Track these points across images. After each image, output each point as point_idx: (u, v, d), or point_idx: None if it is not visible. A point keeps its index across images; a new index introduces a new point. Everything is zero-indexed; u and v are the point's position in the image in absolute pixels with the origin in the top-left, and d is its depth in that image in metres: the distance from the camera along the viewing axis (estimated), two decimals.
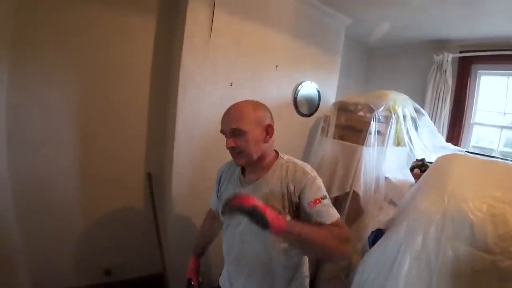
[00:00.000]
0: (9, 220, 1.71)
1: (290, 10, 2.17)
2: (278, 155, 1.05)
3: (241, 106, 0.98)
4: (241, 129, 0.93)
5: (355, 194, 2.01)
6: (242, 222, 0.99)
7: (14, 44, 1.61)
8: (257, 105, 1.00)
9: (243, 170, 1.08)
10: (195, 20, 1.76)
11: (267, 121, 0.99)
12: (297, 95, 2.30)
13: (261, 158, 0.99)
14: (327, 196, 0.93)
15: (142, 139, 2.07)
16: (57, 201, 1.87)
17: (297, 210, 0.93)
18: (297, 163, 1.00)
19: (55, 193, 1.85)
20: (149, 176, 2.11)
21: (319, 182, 0.95)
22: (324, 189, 0.95)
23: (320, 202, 0.89)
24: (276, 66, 2.15)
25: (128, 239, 2.13)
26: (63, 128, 1.82)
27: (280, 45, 2.16)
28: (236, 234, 1.03)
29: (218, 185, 1.18)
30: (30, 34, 1.64)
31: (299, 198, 0.92)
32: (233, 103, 1.66)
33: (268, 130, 0.99)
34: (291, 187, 0.93)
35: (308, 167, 0.99)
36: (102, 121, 1.92)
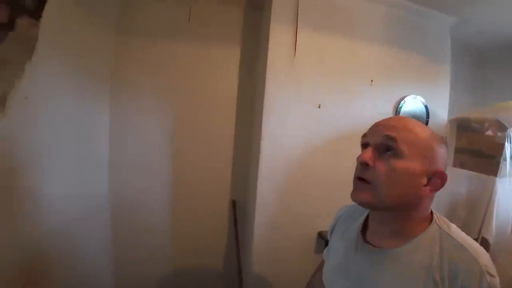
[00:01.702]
0: (106, 235, 1.92)
1: (380, 16, 1.91)
2: (431, 219, 0.62)
3: (411, 121, 0.62)
4: (399, 146, 0.57)
5: (484, 242, 1.54)
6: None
7: (114, 80, 1.87)
8: (437, 136, 0.62)
9: (365, 224, 0.71)
10: (277, 43, 1.71)
11: (440, 165, 0.60)
12: (399, 112, 1.98)
13: (403, 213, 0.60)
14: None
15: (228, 166, 2.10)
16: (148, 220, 2.02)
17: None
18: (464, 245, 0.56)
19: (147, 213, 2.01)
20: (233, 203, 2.11)
21: None
22: None
23: None
24: (371, 81, 1.89)
25: (211, 266, 2.14)
26: (157, 154, 1.99)
27: (373, 57, 1.90)
28: None
29: (331, 233, 0.86)
30: (126, 70, 1.89)
31: None
32: (321, 126, 1.42)
33: (436, 179, 0.59)
34: None
35: (483, 256, 0.55)
36: (191, 147, 2.03)
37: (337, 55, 1.83)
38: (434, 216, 0.63)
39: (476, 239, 1.55)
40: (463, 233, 0.60)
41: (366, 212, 0.72)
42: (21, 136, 1.17)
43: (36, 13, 1.18)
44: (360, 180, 0.60)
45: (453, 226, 0.62)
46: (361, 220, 0.72)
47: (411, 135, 0.59)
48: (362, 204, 0.62)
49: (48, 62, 1.27)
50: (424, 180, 0.58)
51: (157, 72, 1.93)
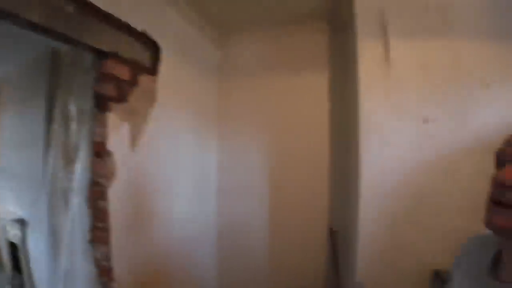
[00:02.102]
0: (212, 253, 2.16)
1: (481, 7, 1.55)
2: None
3: None
4: None
5: None
6: None
7: (219, 117, 2.19)
8: None
9: (498, 258, 0.57)
10: (368, 59, 1.56)
11: None
12: None
13: None
14: None
15: (325, 192, 2.02)
16: (249, 242, 2.15)
17: None
18: None
19: (248, 236, 2.15)
20: (331, 232, 1.99)
21: None
22: None
23: None
24: (486, 85, 1.54)
25: None
26: (257, 181, 2.14)
27: (482, 55, 1.54)
28: None
29: (454, 269, 0.69)
30: (228, 107, 2.19)
31: None
32: (432, 143, 1.23)
33: None
34: None
35: None
36: (287, 174, 2.08)
37: (439, 61, 1.54)
38: None
39: None
40: None
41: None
42: (149, 168, 1.51)
43: (153, 70, 1.50)
44: (497, 204, 0.48)
45: None
46: (493, 253, 0.57)
47: None
48: (501, 232, 0.50)
49: (166, 108, 1.59)
50: None
51: (254, 105, 2.15)
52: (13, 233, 2.70)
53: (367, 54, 1.56)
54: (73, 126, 1.88)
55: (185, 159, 1.83)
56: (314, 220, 2.02)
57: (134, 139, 1.36)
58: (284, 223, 2.08)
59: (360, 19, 1.58)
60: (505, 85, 1.50)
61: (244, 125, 2.17)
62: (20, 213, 2.61)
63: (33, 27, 0.99)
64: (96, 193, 1.24)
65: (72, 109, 1.91)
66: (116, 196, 1.26)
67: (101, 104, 1.25)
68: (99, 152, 1.23)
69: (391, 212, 1.54)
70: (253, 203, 2.13)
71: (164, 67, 1.55)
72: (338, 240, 1.91)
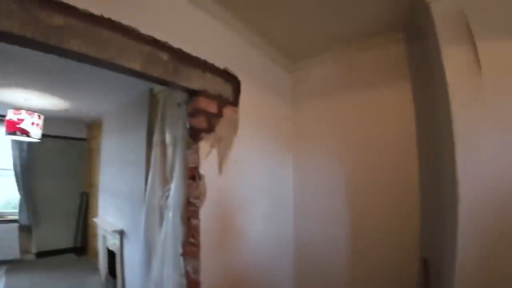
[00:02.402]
0: (288, 274, 2.17)
1: None
2: None
3: None
4: None
5: None
6: None
7: (294, 140, 2.27)
8: None
9: None
10: (455, 66, 1.40)
11: None
12: None
13: None
14: None
15: (415, 217, 1.78)
16: (327, 268, 2.07)
17: None
18: None
19: (327, 261, 2.07)
20: (424, 262, 1.75)
21: None
22: None
23: None
24: None
25: None
26: (336, 204, 2.04)
27: None
28: None
29: None
30: (303, 131, 2.25)
31: None
32: None
33: None
34: None
35: None
36: (370, 196, 1.92)
37: None
38: None
39: None
40: None
41: None
42: (232, 190, 1.66)
43: (235, 102, 1.68)
44: None
45: None
46: None
47: None
48: None
49: (247, 135, 1.76)
50: None
51: (330, 126, 2.13)
52: (112, 242, 3.21)
53: (454, 61, 1.42)
54: (169, 151, 2.21)
55: (264, 181, 1.94)
56: (402, 247, 1.80)
57: (220, 163, 1.53)
58: (367, 249, 1.91)
59: (439, 24, 1.46)
60: None
61: (320, 146, 2.16)
62: (119, 224, 3.11)
63: (136, 74, 1.25)
64: (190, 212, 1.41)
65: (168, 137, 2.26)
66: (205, 214, 1.41)
67: (194, 134, 1.45)
68: (193, 175, 1.41)
69: (498, 240, 1.30)
70: (332, 226, 2.05)
71: (243, 97, 1.72)
72: (432, 269, 1.68)
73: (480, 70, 1.37)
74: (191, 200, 1.41)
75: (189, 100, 1.50)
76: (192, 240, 1.39)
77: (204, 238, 1.40)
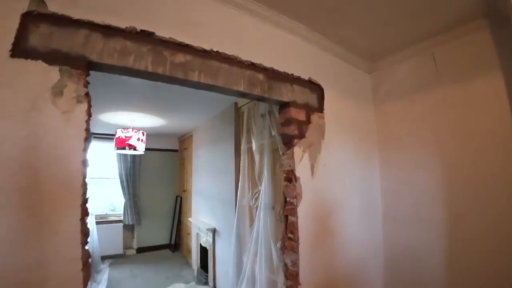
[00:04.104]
0: (378, 277, 2.14)
1: None
2: None
3: None
4: None
5: None
6: None
7: (380, 142, 2.26)
8: None
9: None
10: None
11: None
12: None
13: None
14: None
15: None
16: (421, 276, 1.95)
17: None
18: None
19: (419, 268, 1.97)
20: None
21: None
22: None
23: None
24: None
25: None
26: (430, 207, 1.93)
27: None
28: None
29: None
30: (389, 131, 2.21)
31: None
32: None
33: None
34: None
35: None
36: (467, 197, 1.77)
37: None
38: None
39: None
40: None
41: None
42: (325, 191, 1.78)
43: (320, 108, 1.80)
44: None
45: None
46: None
47: None
48: None
49: (333, 140, 1.86)
50: None
51: (415, 124, 2.04)
52: (205, 239, 3.65)
53: None
54: (256, 158, 2.47)
55: (351, 184, 1.99)
56: (506, 250, 1.59)
57: (312, 166, 1.67)
58: (467, 257, 1.74)
59: None
60: None
61: (407, 147, 2.09)
62: (212, 224, 3.53)
63: (241, 94, 1.49)
64: (288, 210, 1.58)
65: (254, 145, 2.53)
66: (302, 213, 1.56)
67: (287, 141, 1.62)
68: (290, 178, 1.58)
69: None
70: (425, 232, 1.94)
71: (326, 103, 1.84)
72: None
73: None
74: (288, 199, 1.58)
75: (280, 111, 1.69)
76: (290, 235, 1.56)
77: (302, 235, 1.55)
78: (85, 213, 0.98)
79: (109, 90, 2.57)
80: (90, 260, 1.05)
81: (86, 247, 0.99)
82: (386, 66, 2.24)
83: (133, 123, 3.97)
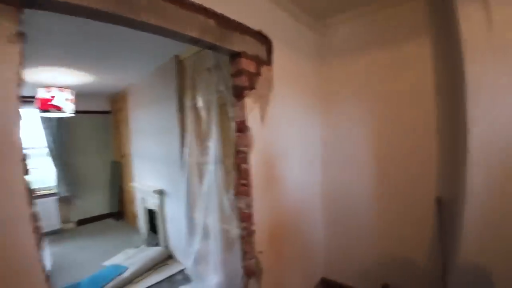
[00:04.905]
0: (319, 217, 2.51)
1: None
2: None
3: None
4: None
5: None
6: None
7: (322, 96, 2.46)
8: None
9: None
10: (469, 23, 1.55)
11: None
12: None
13: None
14: None
15: (431, 160, 1.99)
16: (353, 209, 2.38)
17: None
18: None
19: (352, 203, 2.38)
20: (438, 200, 1.99)
21: None
22: None
23: None
24: None
25: (411, 261, 2.13)
26: (362, 153, 2.29)
27: None
28: None
29: None
30: (331, 87, 2.42)
31: None
32: None
33: None
34: None
35: None
36: (391, 145, 2.15)
37: None
38: None
39: None
40: None
41: None
42: (273, 140, 1.90)
43: (269, 61, 1.84)
44: None
45: None
46: None
47: None
48: None
49: (280, 92, 1.94)
50: None
51: (354, 82, 2.29)
52: (152, 202, 3.58)
53: (468, 18, 1.55)
54: (203, 114, 2.43)
55: (296, 134, 2.17)
56: (420, 188, 2.04)
57: (262, 118, 1.74)
58: (389, 191, 2.18)
59: None
60: None
61: (346, 102, 2.35)
62: (158, 185, 3.45)
63: (194, 41, 1.42)
64: (240, 159, 1.66)
65: (200, 101, 2.47)
66: (254, 161, 1.66)
67: (238, 93, 1.64)
68: (241, 128, 1.63)
69: (501, 172, 1.52)
70: (357, 173, 2.32)
71: (275, 57, 1.88)
72: (445, 206, 1.93)
73: (492, 26, 1.50)
74: (240, 149, 1.65)
75: (231, 62, 1.67)
76: (243, 181, 1.66)
77: (254, 180, 1.66)
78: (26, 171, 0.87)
79: (28, 40, 2.09)
80: None
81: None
82: (331, 25, 2.36)
83: (55, 81, 3.38)
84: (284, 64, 1.98)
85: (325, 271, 2.58)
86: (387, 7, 2.08)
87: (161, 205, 3.43)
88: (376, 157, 2.22)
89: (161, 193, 3.39)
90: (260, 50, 1.76)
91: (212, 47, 1.51)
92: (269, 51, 1.84)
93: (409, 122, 2.05)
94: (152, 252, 3.28)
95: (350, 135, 2.34)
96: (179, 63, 2.82)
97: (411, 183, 2.07)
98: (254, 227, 1.69)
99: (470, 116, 1.57)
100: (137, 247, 3.67)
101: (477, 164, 1.57)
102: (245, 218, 1.69)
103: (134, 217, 4.33)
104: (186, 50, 2.63)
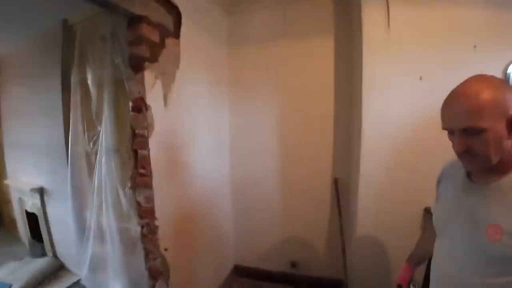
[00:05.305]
0: (228, 201, 2.49)
1: None
2: None
3: (475, 92, 0.66)
4: (478, 128, 0.66)
5: None
6: (455, 237, 0.78)
7: (231, 82, 2.38)
8: (497, 86, 0.67)
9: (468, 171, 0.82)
10: (370, 21, 1.72)
11: None
12: (509, 77, 1.75)
13: (499, 161, 0.71)
14: None
15: (330, 146, 2.24)
16: (260, 195, 2.44)
17: None
18: None
19: (259, 189, 2.43)
20: (335, 181, 2.23)
21: None
22: None
23: None
24: (474, 46, 1.73)
25: (315, 239, 2.35)
26: (269, 140, 2.36)
27: (477, 19, 1.70)
28: (445, 249, 0.82)
29: (438, 183, 0.96)
30: (240, 73, 2.37)
31: None
32: (425, 98, 1.45)
33: None
34: None
35: None
36: (295, 133, 2.29)
37: (435, 24, 1.71)
38: None
39: None
40: None
41: None
42: (178, 123, 1.68)
43: (176, 34, 1.61)
44: (469, 157, 0.72)
45: None
46: (463, 168, 0.82)
47: (482, 108, 0.65)
48: (475, 171, 0.77)
49: (186, 71, 1.72)
50: (506, 131, 0.67)
51: (263, 70, 2.30)
52: (32, 203, 2.83)
53: (370, 20, 1.73)
54: (93, 92, 1.99)
55: (204, 118, 2.01)
56: (320, 172, 2.27)
57: (165, 97, 1.50)
58: (293, 176, 2.33)
59: None
60: (490, 49, 1.71)
61: (254, 89, 2.34)
62: (38, 182, 2.73)
63: None
64: (138, 144, 1.39)
65: (90, 76, 2.01)
66: (154, 146, 1.42)
67: (136, 64, 1.36)
68: (139, 106, 1.36)
69: (390, 158, 1.78)
70: (264, 160, 2.38)
71: (183, 33, 1.66)
72: (342, 187, 2.19)
73: (390, 28, 1.70)
74: (137, 131, 1.38)
75: (130, 27, 1.37)
76: (142, 171, 1.40)
77: (155, 168, 1.43)
78: None
79: None
80: None
81: None
82: (244, 10, 2.30)
83: None
84: (194, 43, 1.79)
85: (237, 259, 2.58)
86: (296, 1, 2.15)
87: (43, 206, 2.75)
88: (281, 144, 2.33)
89: (41, 191, 2.71)
90: (166, 19, 1.51)
91: (107, 5, 1.19)
92: (177, 23, 1.61)
93: (312, 112, 2.22)
94: (39, 264, 2.67)
95: (257, 122, 2.37)
96: (67, 30, 2.24)
97: (313, 168, 2.27)
98: (157, 223, 1.47)
99: (364, 110, 1.76)
100: (20, 259, 2.89)
101: (369, 152, 1.78)
102: (145, 213, 1.45)
103: (13, 223, 3.38)
104: (77, 14, 2.10)
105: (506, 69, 1.72)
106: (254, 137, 2.39)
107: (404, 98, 1.73)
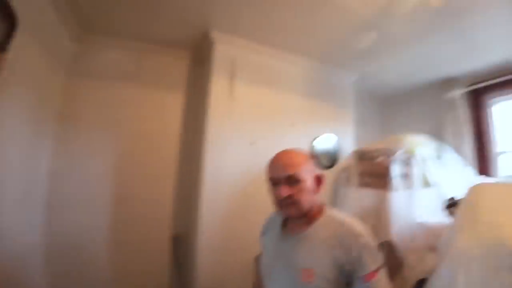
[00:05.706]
0: (41, 271, 1.77)
1: (298, 74, 2.50)
2: (323, 209, 0.96)
3: (296, 153, 0.94)
4: (298, 177, 0.88)
5: (387, 243, 1.85)
6: (279, 279, 0.92)
7: (60, 119, 1.95)
8: (307, 154, 0.97)
9: (284, 223, 1.01)
10: (217, 91, 2.07)
11: (317, 171, 0.96)
12: (314, 148, 2.44)
13: (308, 210, 0.91)
14: (382, 263, 0.83)
15: (169, 202, 2.18)
16: (88, 257, 1.94)
17: (347, 278, 0.81)
18: (344, 221, 0.89)
19: (87, 250, 1.94)
20: (174, 238, 2.16)
21: (373, 247, 0.84)
22: (379, 254, 0.84)
23: (375, 276, 0.79)
24: (292, 124, 2.35)
25: None
26: (100, 192, 2.01)
27: (293, 104, 2.42)
28: None
29: (263, 235, 1.12)
30: (75, 110, 2.01)
31: (350, 270, 0.81)
32: (255, 159, 1.83)
33: (320, 180, 0.95)
34: (339, 253, 0.82)
35: (357, 226, 0.87)
36: (133, 185, 2.10)
37: (266, 103, 2.26)
38: (325, 207, 0.96)
39: (383, 243, 1.85)
40: (345, 215, 0.93)
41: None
42: None
43: (3, 48, 1.35)
44: (288, 203, 0.89)
45: (337, 213, 0.95)
46: (280, 221, 1.03)
47: (301, 163, 0.91)
48: (291, 216, 0.93)
49: (9, 90, 1.39)
50: (314, 185, 0.93)
51: (105, 112, 2.09)
52: None
53: (217, 89, 2.08)
54: None
55: (15, 158, 1.51)
56: (157, 228, 2.12)
57: None
58: (127, 232, 2.04)
59: (216, 61, 2.11)
60: (303, 126, 2.39)
61: (91, 131, 2.02)
62: None
63: None
64: None
65: None
66: None
67: None
68: None
69: (227, 210, 1.97)
70: (93, 215, 1.97)
71: (15, 46, 1.35)
72: (181, 243, 2.13)
73: (233, 99, 2.11)
74: None
75: None
76: None
77: None
78: None
79: None
80: None
81: None
82: (97, 43, 2.13)
83: None
84: (23, 59, 1.48)
85: None
86: (155, 52, 2.26)
87: None
88: (116, 197, 2.05)
89: None
90: None
91: None
92: (9, 32, 1.32)
93: (151, 164, 2.16)
94: None
95: (90, 170, 2.01)
96: None
97: (149, 225, 2.11)
98: None
99: (205, 164, 1.95)
100: None
101: (206, 205, 1.91)
102: None
103: None
104: None
105: (312, 142, 2.41)
106: (82, 186, 1.97)
107: (240, 158, 2.07)
